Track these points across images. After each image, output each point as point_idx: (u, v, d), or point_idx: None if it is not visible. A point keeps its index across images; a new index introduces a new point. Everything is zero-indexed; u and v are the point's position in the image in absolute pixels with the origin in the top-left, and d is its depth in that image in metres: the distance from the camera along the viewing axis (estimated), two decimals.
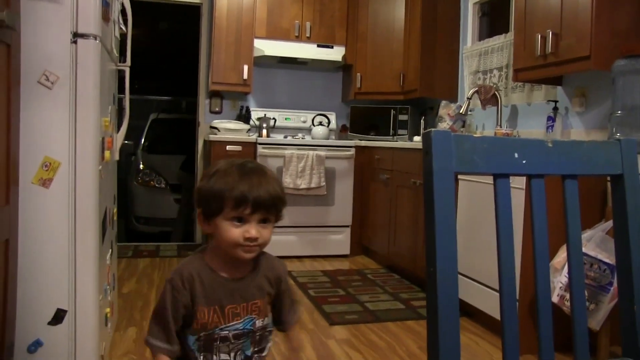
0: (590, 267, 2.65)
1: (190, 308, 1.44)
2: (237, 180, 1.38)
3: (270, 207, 1.40)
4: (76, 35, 2.25)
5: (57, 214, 2.25)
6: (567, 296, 2.67)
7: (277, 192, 1.41)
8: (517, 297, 2.89)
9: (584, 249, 2.66)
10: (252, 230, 1.39)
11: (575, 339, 1.09)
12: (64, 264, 2.27)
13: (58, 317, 2.27)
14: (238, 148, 5.22)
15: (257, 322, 1.50)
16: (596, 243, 2.69)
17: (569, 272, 1.12)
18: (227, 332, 1.47)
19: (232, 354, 1.49)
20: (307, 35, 5.71)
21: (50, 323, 2.26)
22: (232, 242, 1.40)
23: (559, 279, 2.73)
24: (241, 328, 1.48)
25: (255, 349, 1.52)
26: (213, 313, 1.45)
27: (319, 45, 5.76)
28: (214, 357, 1.47)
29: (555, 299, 2.69)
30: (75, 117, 2.26)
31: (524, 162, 1.07)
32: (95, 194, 2.35)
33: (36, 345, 2.24)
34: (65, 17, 2.22)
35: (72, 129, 2.25)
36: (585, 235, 2.73)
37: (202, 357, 1.47)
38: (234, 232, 1.39)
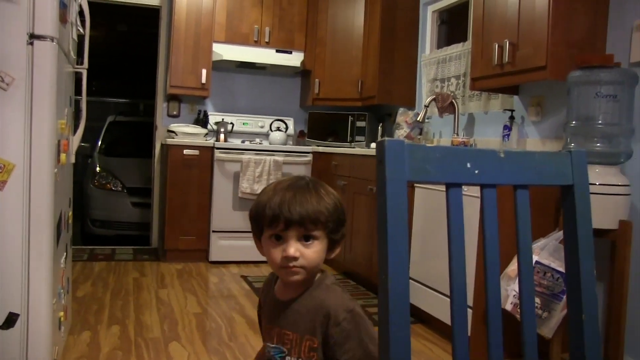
0: (544, 275, 2.70)
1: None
2: (271, 196, 1.30)
3: (305, 222, 1.29)
4: (32, 37, 2.22)
5: (10, 217, 2.22)
6: None
7: (315, 207, 1.29)
8: (472, 305, 2.96)
9: (537, 258, 2.72)
10: (290, 248, 1.29)
11: (525, 347, 1.11)
12: (17, 267, 2.24)
13: (10, 320, 2.23)
14: (195, 152, 5.20)
15: (287, 358, 1.36)
16: (549, 252, 2.74)
17: (519, 280, 1.15)
18: (269, 351, 1.40)
19: None
20: (266, 40, 5.72)
21: (1, 327, 2.23)
22: (273, 263, 1.32)
23: (513, 287, 2.77)
24: (272, 353, 1.39)
25: None
26: (264, 326, 1.47)
27: (277, 51, 5.78)
28: None
29: (509, 307, 2.74)
30: (30, 119, 2.23)
31: (476, 172, 1.09)
32: (50, 197, 2.32)
33: None
34: (22, 17, 2.19)
35: (27, 131, 2.23)
36: (539, 243, 2.78)
37: None
38: (274, 252, 1.31)
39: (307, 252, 1.31)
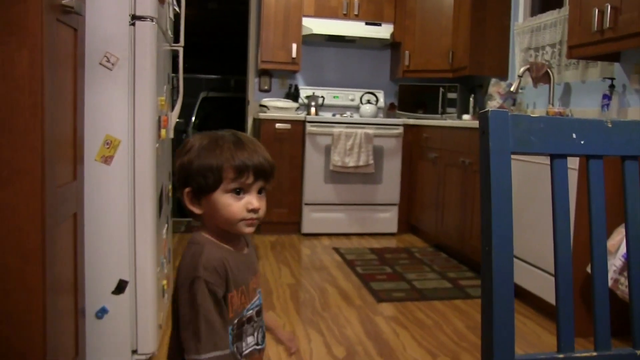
0: None
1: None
2: (234, 150, 1.28)
3: (269, 174, 1.32)
4: (134, 18, 2.30)
5: (117, 190, 2.33)
6: (622, 279, 2.61)
7: (272, 160, 1.33)
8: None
9: None
10: (254, 200, 1.30)
11: (634, 325, 1.08)
12: (125, 237, 2.37)
13: (120, 287, 2.37)
14: (287, 126, 5.26)
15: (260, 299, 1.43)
16: None
17: (628, 255, 1.11)
18: (251, 311, 1.38)
19: (256, 334, 1.40)
20: (355, 12, 5.69)
21: (114, 292, 2.37)
22: (233, 217, 1.29)
23: (613, 262, 2.68)
24: (259, 303, 1.42)
25: (261, 324, 1.43)
26: (241, 294, 1.35)
27: (367, 23, 5.74)
28: (243, 343, 1.36)
29: (609, 282, 2.65)
30: (134, 96, 2.33)
31: (582, 142, 1.06)
32: (152, 171, 2.42)
33: (102, 312, 2.36)
34: (124, 0, 2.28)
35: (130, 108, 2.32)
36: None
37: (235, 348, 1.33)
38: (235, 205, 1.29)
39: (262, 204, 1.33)
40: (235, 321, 1.33)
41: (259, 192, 1.32)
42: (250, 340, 1.37)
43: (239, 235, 1.37)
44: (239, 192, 1.29)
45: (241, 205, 1.29)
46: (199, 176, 1.28)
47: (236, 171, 1.27)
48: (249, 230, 1.32)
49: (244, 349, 1.36)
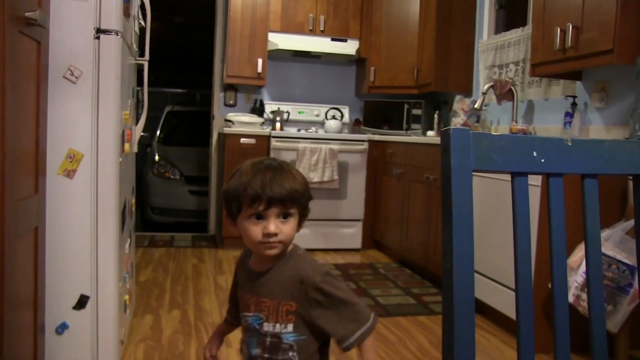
0: (609, 267, 2.62)
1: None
2: (250, 178, 1.37)
3: (285, 201, 1.37)
4: (99, 31, 2.29)
5: (80, 204, 2.31)
6: (583, 296, 2.64)
7: (292, 186, 1.38)
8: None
9: (602, 249, 2.64)
10: (271, 225, 1.37)
11: (593, 340, 1.09)
12: (87, 251, 2.34)
13: (82, 302, 2.34)
14: (252, 141, 5.25)
15: (264, 324, 1.44)
16: (615, 243, 2.65)
17: (587, 272, 1.12)
18: (245, 321, 1.49)
19: (244, 346, 1.51)
20: (321, 28, 5.73)
21: (74, 307, 2.35)
22: (253, 240, 1.40)
23: (575, 278, 2.71)
24: (249, 322, 1.47)
25: (265, 355, 1.45)
26: (241, 298, 1.52)
27: (332, 39, 5.78)
28: (243, 343, 1.52)
29: (570, 298, 2.68)
30: (97, 110, 2.31)
31: (542, 160, 1.08)
32: (116, 185, 2.40)
33: (63, 327, 2.34)
34: (89, 13, 2.27)
35: (94, 121, 2.31)
36: (604, 234, 2.69)
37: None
38: (254, 229, 1.39)
39: (284, 228, 1.40)
40: (241, 315, 1.51)
41: (284, 216, 1.40)
42: (243, 345, 1.51)
43: (269, 258, 1.45)
44: (257, 217, 1.39)
45: (258, 229, 1.39)
46: (227, 202, 1.43)
47: (250, 199, 1.37)
48: (268, 252, 1.41)
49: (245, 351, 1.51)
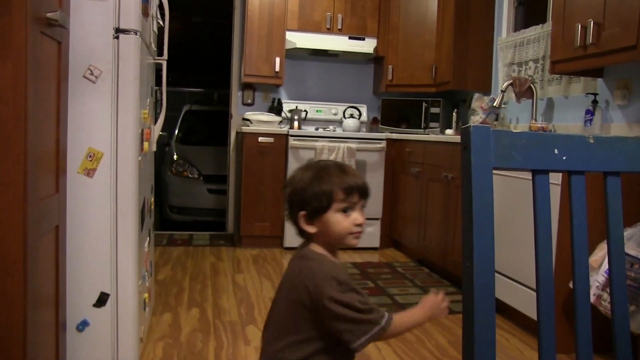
0: (631, 267, 2.58)
1: None
2: (341, 175, 1.51)
3: (368, 193, 1.55)
4: (118, 31, 2.31)
5: (100, 203, 2.32)
6: (604, 296, 2.62)
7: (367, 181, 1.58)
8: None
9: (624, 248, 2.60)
10: (360, 216, 1.52)
11: (616, 341, 1.08)
12: (107, 250, 2.36)
13: (102, 300, 2.36)
14: (270, 140, 5.26)
15: None
16: (637, 242, 2.61)
17: (610, 272, 1.11)
18: None
19: None
20: (339, 27, 5.72)
21: (95, 305, 2.37)
22: (344, 232, 1.51)
23: (596, 278, 2.68)
24: None
25: None
26: None
27: (350, 37, 5.77)
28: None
29: (591, 298, 2.64)
30: (117, 109, 2.32)
31: (564, 158, 1.07)
32: (135, 184, 2.41)
33: (84, 324, 2.35)
34: (109, 13, 2.28)
35: (114, 121, 2.32)
36: (626, 233, 2.65)
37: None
38: (345, 222, 1.51)
39: (364, 219, 1.56)
40: None
41: (362, 207, 1.55)
42: None
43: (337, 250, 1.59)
44: (346, 210, 1.51)
45: (350, 221, 1.51)
46: (314, 200, 1.50)
47: (345, 192, 1.50)
48: (356, 242, 1.55)
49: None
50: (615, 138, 1.12)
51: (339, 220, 1.50)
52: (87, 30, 2.24)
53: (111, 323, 2.39)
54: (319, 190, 1.50)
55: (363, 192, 1.53)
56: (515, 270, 3.33)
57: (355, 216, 1.52)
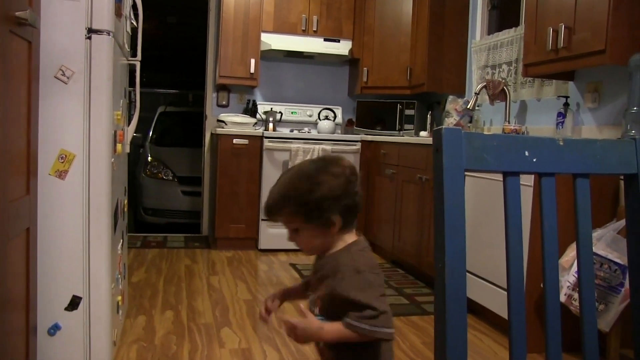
0: (600, 266, 2.63)
1: None
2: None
3: (277, 216, 1.42)
4: (90, 31, 2.29)
5: (72, 205, 2.30)
6: (575, 295, 2.65)
7: (274, 200, 1.41)
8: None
9: (593, 249, 2.65)
10: (288, 238, 1.46)
11: (585, 340, 1.09)
12: (79, 252, 2.33)
13: (74, 303, 2.34)
14: (245, 141, 5.25)
15: (314, 310, 1.49)
16: (607, 242, 2.66)
17: (579, 272, 1.12)
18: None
19: None
20: (314, 29, 5.73)
21: (66, 309, 2.34)
22: None
23: (567, 278, 2.72)
24: (309, 301, 1.53)
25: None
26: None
27: (325, 39, 5.78)
28: None
29: (562, 298, 2.68)
30: (89, 110, 2.30)
31: (534, 160, 1.08)
32: (108, 186, 2.39)
33: (55, 328, 2.33)
34: (81, 13, 2.26)
35: (86, 122, 2.30)
36: (595, 234, 2.70)
37: None
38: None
39: (298, 239, 1.45)
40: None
41: (294, 230, 1.44)
42: None
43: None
44: None
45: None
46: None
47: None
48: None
49: None
50: (584, 140, 1.13)
51: None
52: (58, 30, 2.21)
53: (83, 326, 2.37)
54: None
55: (270, 216, 1.47)
56: (488, 270, 3.36)
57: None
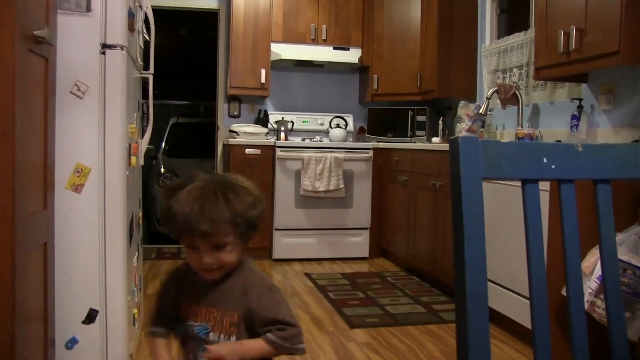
0: (624, 272, 2.53)
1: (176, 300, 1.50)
2: (181, 207, 1.34)
3: (214, 235, 1.35)
4: (105, 47, 2.31)
5: (88, 218, 2.32)
6: (598, 302, 2.59)
7: (222, 218, 1.34)
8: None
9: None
10: (205, 258, 1.37)
11: (614, 350, 1.07)
12: (95, 266, 2.35)
13: (91, 316, 2.35)
14: (257, 151, 5.26)
15: (210, 334, 1.44)
16: (629, 247, 2.57)
17: (604, 280, 1.10)
18: (190, 330, 1.47)
19: (191, 354, 1.48)
20: (323, 37, 5.74)
21: (84, 322, 2.35)
22: (193, 266, 1.42)
23: (588, 284, 2.64)
24: (195, 331, 1.46)
25: None
26: (187, 308, 1.48)
27: (335, 48, 5.79)
28: (189, 352, 1.50)
29: (585, 305, 2.62)
30: (104, 124, 2.32)
31: (553, 167, 1.07)
32: (123, 199, 2.41)
33: (72, 342, 2.34)
34: (95, 29, 2.29)
35: (101, 136, 2.32)
36: (617, 239, 2.60)
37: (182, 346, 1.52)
38: (190, 258, 1.41)
39: (221, 256, 1.39)
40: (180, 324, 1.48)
41: (218, 247, 1.38)
42: (189, 353, 1.48)
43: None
44: (192, 247, 1.38)
45: (195, 258, 1.39)
46: (165, 222, 1.42)
47: (179, 232, 1.38)
48: (208, 277, 1.42)
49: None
50: (604, 145, 1.12)
51: (187, 253, 1.44)
52: (73, 47, 2.24)
53: (100, 340, 2.38)
54: (167, 216, 1.39)
55: (200, 236, 1.35)
56: (507, 278, 3.33)
57: (200, 256, 1.39)
